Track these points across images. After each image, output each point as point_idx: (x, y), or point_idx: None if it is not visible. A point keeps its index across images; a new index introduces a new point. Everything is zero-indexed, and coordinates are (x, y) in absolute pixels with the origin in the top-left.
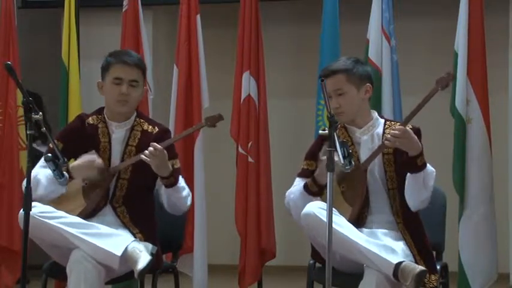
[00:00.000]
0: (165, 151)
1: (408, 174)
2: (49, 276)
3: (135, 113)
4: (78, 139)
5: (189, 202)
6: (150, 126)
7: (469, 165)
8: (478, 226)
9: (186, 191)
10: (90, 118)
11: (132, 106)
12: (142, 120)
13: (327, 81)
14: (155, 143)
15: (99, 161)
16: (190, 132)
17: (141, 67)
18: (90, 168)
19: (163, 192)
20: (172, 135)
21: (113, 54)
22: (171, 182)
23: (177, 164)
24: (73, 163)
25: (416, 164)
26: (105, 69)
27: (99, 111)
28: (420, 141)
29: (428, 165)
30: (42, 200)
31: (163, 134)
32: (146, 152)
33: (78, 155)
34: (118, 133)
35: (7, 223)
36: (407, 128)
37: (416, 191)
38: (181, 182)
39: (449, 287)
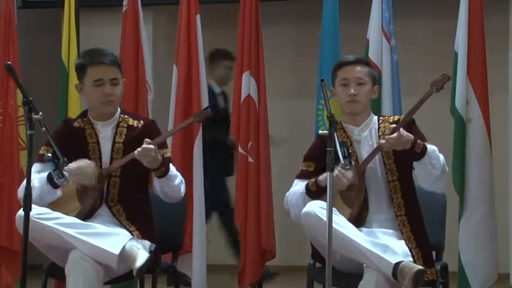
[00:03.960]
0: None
1: (414, 162)
2: (49, 276)
3: (119, 110)
4: (67, 143)
5: (182, 189)
6: (136, 121)
7: (469, 165)
8: (478, 226)
9: (179, 179)
10: (75, 122)
11: (117, 104)
12: (126, 116)
13: (350, 68)
14: (148, 141)
15: (93, 169)
16: (179, 129)
17: (117, 63)
18: (84, 175)
19: (156, 183)
20: (161, 129)
21: (86, 54)
22: (163, 172)
23: (168, 153)
24: (68, 166)
25: (416, 153)
26: (80, 70)
27: (84, 114)
28: (416, 126)
29: (428, 146)
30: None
31: (149, 127)
32: (139, 150)
33: (68, 158)
34: (105, 132)
35: (7, 223)
36: (401, 133)
37: (427, 174)
38: (173, 170)
39: (449, 287)
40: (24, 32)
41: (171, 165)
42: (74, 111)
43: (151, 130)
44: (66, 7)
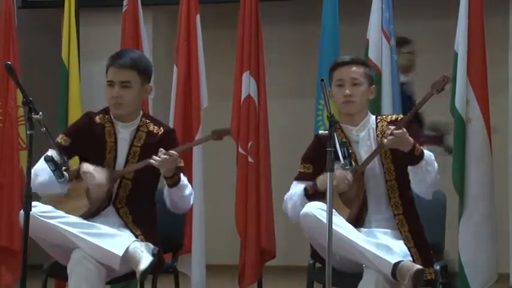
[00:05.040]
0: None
1: (409, 167)
2: (49, 276)
3: (141, 113)
4: (87, 137)
5: (191, 201)
6: (156, 127)
7: (469, 165)
8: (478, 226)
9: (189, 190)
10: (97, 117)
11: (129, 107)
12: (148, 121)
13: (345, 68)
14: (163, 151)
15: (105, 187)
16: (196, 144)
17: (135, 67)
18: (98, 189)
19: (166, 191)
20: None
21: (111, 56)
22: (175, 181)
23: (181, 162)
24: (87, 168)
25: (415, 156)
26: (106, 72)
27: (106, 111)
28: (416, 126)
29: (425, 151)
30: (41, 192)
31: (168, 135)
32: (157, 157)
33: (85, 152)
34: (124, 133)
35: (7, 223)
36: (405, 131)
37: (421, 180)
38: (184, 180)
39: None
40: (24, 32)
41: (182, 175)
42: (74, 111)
43: (169, 139)
44: (66, 7)
